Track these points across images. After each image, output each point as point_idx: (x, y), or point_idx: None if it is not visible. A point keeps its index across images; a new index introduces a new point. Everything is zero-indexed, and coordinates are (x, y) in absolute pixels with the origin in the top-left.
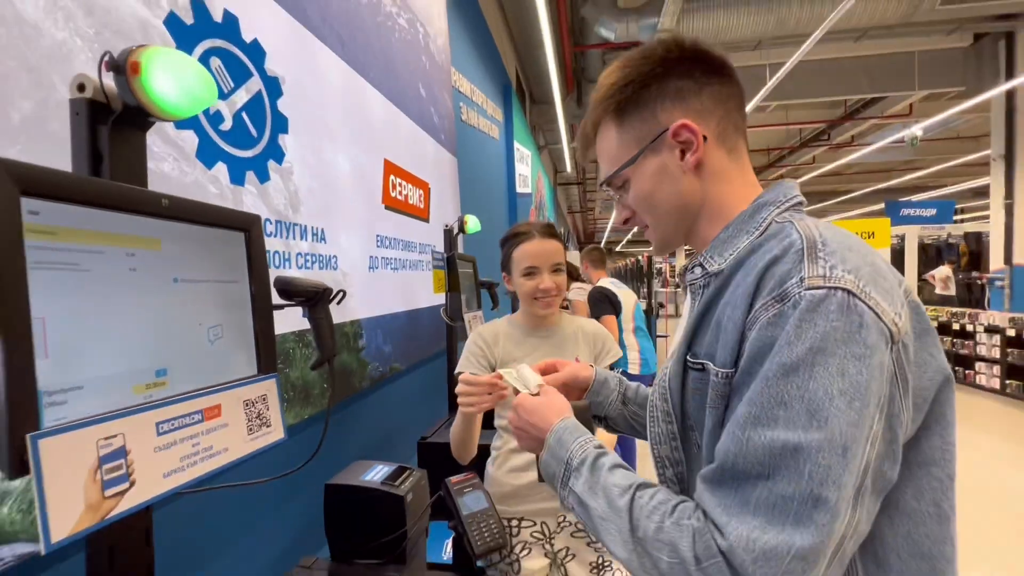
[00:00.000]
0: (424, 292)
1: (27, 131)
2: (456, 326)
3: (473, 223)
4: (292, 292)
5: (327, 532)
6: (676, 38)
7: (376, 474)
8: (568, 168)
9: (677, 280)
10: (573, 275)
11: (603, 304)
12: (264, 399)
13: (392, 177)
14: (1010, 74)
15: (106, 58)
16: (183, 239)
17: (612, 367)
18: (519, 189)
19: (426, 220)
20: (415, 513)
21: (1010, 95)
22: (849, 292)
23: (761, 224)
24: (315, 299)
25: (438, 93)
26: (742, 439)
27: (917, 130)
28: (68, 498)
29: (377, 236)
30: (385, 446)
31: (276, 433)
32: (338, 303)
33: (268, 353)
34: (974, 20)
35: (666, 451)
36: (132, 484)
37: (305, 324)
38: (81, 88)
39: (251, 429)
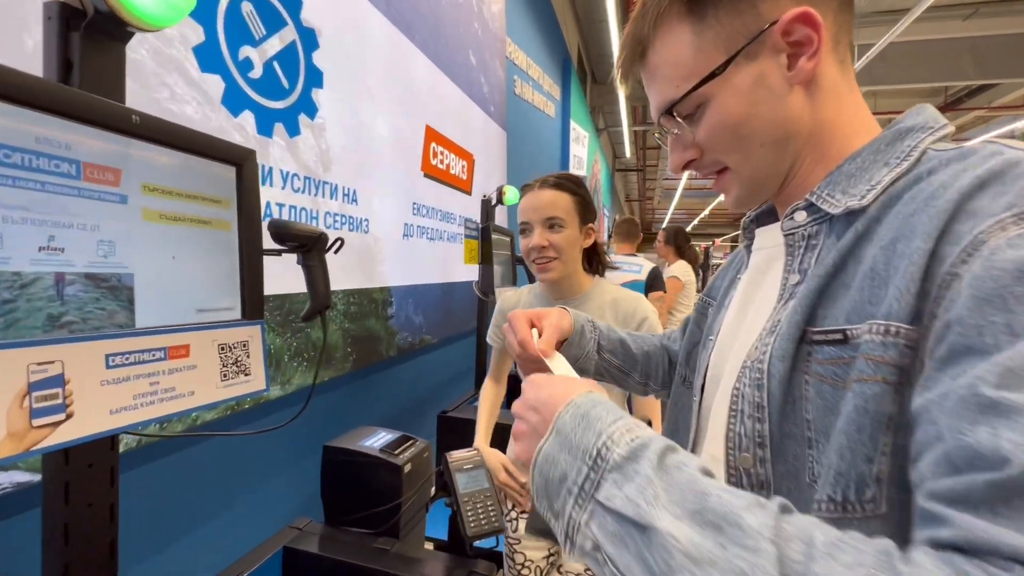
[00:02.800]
0: (461, 266)
1: (39, 56)
2: (488, 300)
3: (512, 194)
4: (285, 236)
5: (322, 494)
6: None
7: (377, 440)
8: (628, 154)
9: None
10: (678, 246)
11: None
12: (245, 345)
13: (434, 145)
14: None
15: None
16: (161, 166)
17: None
18: (573, 170)
19: (468, 192)
20: (413, 485)
21: None
22: None
23: (907, 152)
24: (309, 245)
25: (489, 62)
26: None
27: None
28: None
29: (414, 204)
30: (405, 416)
31: (255, 383)
32: (335, 252)
33: (254, 298)
34: None
35: (747, 462)
36: (69, 416)
37: (336, 284)
38: None
39: (225, 376)
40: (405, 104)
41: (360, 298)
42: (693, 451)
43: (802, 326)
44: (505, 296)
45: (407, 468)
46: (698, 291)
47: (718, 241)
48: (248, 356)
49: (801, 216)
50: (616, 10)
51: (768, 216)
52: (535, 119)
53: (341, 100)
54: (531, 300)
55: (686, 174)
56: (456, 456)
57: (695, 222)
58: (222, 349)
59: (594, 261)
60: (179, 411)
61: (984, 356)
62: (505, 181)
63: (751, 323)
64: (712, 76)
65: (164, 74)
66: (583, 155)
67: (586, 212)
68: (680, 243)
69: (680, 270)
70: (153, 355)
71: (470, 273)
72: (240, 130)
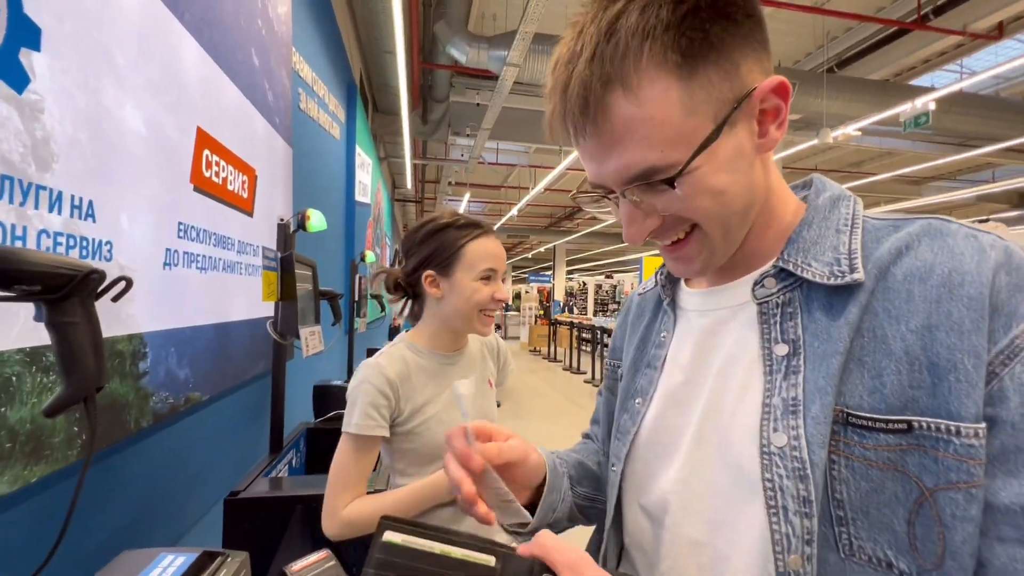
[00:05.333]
0: (242, 301)
1: None
2: (288, 343)
3: (317, 220)
4: (11, 275)
5: None
6: None
7: (162, 573)
8: (408, 185)
9: (662, 291)
10: None
11: None
12: None
13: (208, 153)
14: None
15: None
16: None
17: None
18: (358, 197)
19: (250, 214)
20: None
21: None
22: None
23: (851, 219)
24: (66, 289)
25: (275, 68)
26: None
27: None
28: None
29: (180, 224)
30: (170, 510)
31: None
32: (114, 299)
33: None
34: None
35: (797, 564)
36: None
37: (37, 338)
38: None
39: None
40: (169, 96)
41: None
42: (613, 525)
43: (833, 407)
44: (381, 362)
45: None
46: None
47: None
48: None
49: (771, 283)
50: (404, 44)
51: None
52: (321, 139)
53: (72, 73)
54: (419, 360)
55: (461, 210)
56: (300, 568)
57: None
58: None
59: None
60: None
61: None
62: (291, 202)
63: (717, 392)
64: (711, 139)
65: None
66: (368, 182)
67: None
68: None
69: None
70: None
71: (253, 310)
72: None
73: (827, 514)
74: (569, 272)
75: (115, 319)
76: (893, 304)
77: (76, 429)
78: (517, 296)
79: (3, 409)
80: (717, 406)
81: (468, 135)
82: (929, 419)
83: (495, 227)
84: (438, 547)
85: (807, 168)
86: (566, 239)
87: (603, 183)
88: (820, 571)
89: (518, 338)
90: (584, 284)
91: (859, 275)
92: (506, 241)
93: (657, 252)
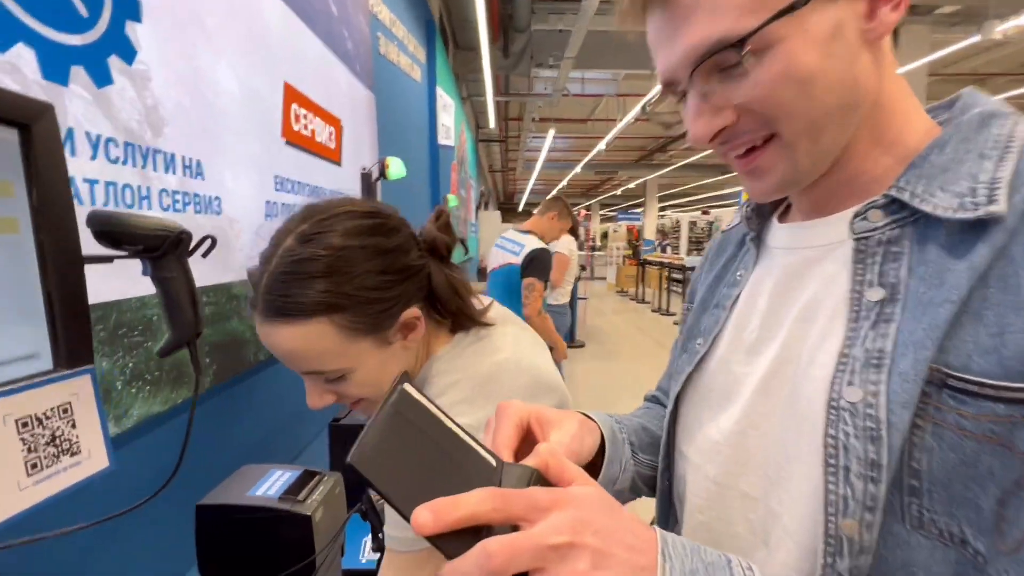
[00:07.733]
0: None
1: None
2: None
3: (397, 167)
4: (119, 236)
5: (202, 567)
6: None
7: (271, 486)
8: (491, 124)
9: (747, 226)
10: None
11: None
12: (67, 411)
13: (295, 107)
14: None
15: None
16: None
17: None
18: (441, 140)
19: (338, 163)
20: (327, 534)
21: None
22: None
23: (1003, 142)
24: (163, 248)
25: (352, 14)
26: None
27: None
28: None
29: (276, 177)
30: (287, 433)
31: (92, 462)
32: (204, 255)
33: (75, 334)
34: None
35: (851, 529)
36: None
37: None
38: None
39: (36, 465)
40: (257, 54)
41: (217, 296)
42: (664, 473)
43: (929, 364)
44: None
45: (318, 515)
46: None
47: (583, 211)
48: (74, 426)
49: (877, 216)
50: None
51: (770, 204)
52: (402, 83)
53: (171, 41)
54: None
55: (546, 147)
56: None
57: (553, 192)
58: (24, 426)
59: (456, 317)
60: None
61: None
62: (376, 150)
63: (793, 340)
64: (790, 9)
65: None
66: (451, 124)
67: (377, 315)
68: (570, 216)
69: (566, 244)
70: None
71: None
72: (13, 72)
73: (898, 482)
74: (662, 209)
75: (230, 266)
76: None
77: (208, 361)
78: (605, 235)
79: (149, 344)
80: (790, 356)
81: (552, 65)
82: None
83: (581, 163)
84: (448, 421)
85: (961, 73)
86: (658, 173)
87: (673, 75)
88: (887, 542)
89: (604, 279)
90: (677, 221)
91: (997, 208)
92: (593, 178)
93: None
